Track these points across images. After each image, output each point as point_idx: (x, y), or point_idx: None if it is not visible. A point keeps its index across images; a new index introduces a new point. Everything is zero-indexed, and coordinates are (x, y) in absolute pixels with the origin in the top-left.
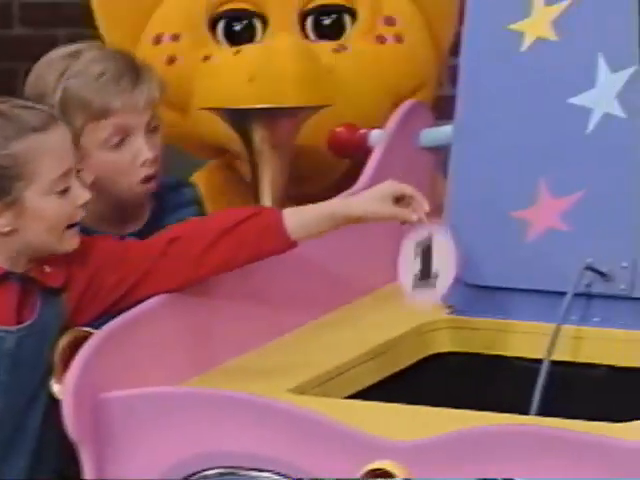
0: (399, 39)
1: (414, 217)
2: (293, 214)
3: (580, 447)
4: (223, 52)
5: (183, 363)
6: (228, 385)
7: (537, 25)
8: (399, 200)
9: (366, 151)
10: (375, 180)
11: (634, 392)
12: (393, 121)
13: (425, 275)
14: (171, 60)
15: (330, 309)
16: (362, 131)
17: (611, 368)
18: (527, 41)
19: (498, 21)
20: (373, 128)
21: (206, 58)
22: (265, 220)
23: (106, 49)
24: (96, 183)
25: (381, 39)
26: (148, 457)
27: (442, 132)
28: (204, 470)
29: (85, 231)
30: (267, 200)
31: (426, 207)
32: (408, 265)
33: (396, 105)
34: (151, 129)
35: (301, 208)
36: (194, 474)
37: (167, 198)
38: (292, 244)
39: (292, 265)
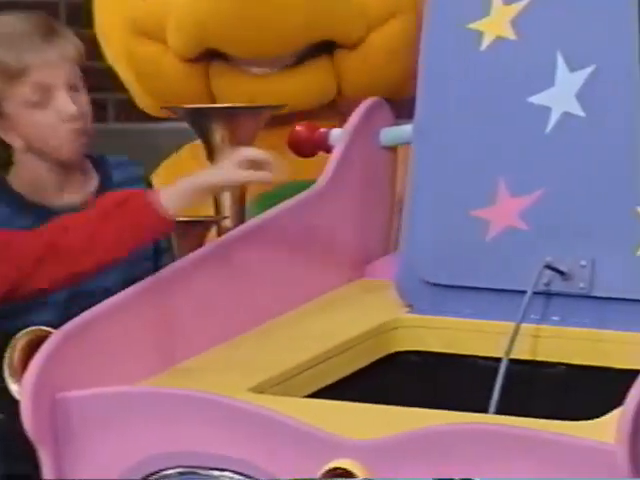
0: None
1: (269, 177)
2: (165, 191)
3: (538, 445)
4: None
5: (143, 362)
6: (188, 384)
7: (496, 24)
8: (255, 166)
9: (326, 150)
10: (336, 179)
11: (592, 391)
12: (353, 120)
13: None
14: None
15: (290, 308)
16: (322, 130)
17: (570, 367)
18: (486, 40)
19: (457, 20)
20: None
21: None
22: (141, 200)
23: (19, 13)
24: (28, 148)
25: None
26: (108, 457)
27: (402, 131)
28: (164, 470)
29: (22, 201)
30: (227, 198)
31: (283, 170)
32: None
33: (368, 30)
34: (73, 87)
35: (173, 184)
36: (154, 474)
37: (115, 173)
38: (169, 221)
39: (254, 263)
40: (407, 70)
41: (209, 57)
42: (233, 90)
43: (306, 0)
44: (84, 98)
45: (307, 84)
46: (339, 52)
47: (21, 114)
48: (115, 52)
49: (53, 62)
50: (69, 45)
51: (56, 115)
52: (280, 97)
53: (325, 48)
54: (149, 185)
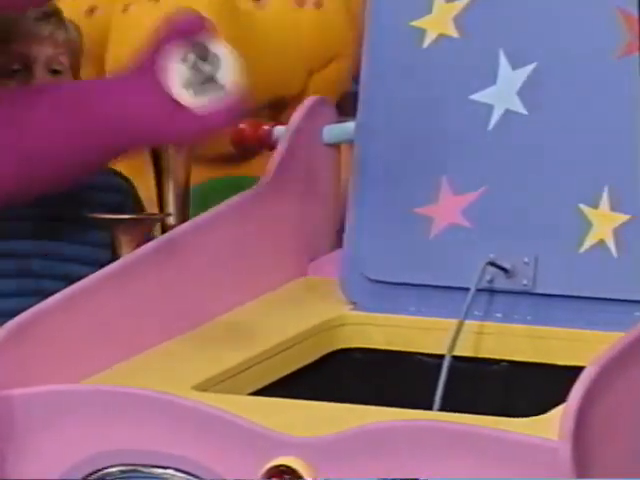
0: (318, 4)
1: None
2: None
3: (481, 442)
4: (142, 2)
5: (88, 359)
6: (131, 382)
7: (438, 22)
8: None
9: (271, 147)
10: (279, 176)
11: (536, 388)
12: (296, 117)
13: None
14: (91, 10)
15: (233, 306)
16: (266, 127)
17: (513, 364)
18: (429, 38)
19: (400, 18)
20: (283, 99)
21: (125, 8)
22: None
23: None
24: None
25: (300, 2)
26: (49, 455)
27: (345, 129)
28: (106, 468)
29: None
30: (171, 195)
31: None
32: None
33: (311, 73)
34: (52, 69)
35: None
36: (96, 472)
37: None
38: None
39: (196, 262)
40: None
41: None
42: None
43: (253, 65)
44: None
45: None
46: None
47: None
48: None
49: (40, 36)
50: (61, 29)
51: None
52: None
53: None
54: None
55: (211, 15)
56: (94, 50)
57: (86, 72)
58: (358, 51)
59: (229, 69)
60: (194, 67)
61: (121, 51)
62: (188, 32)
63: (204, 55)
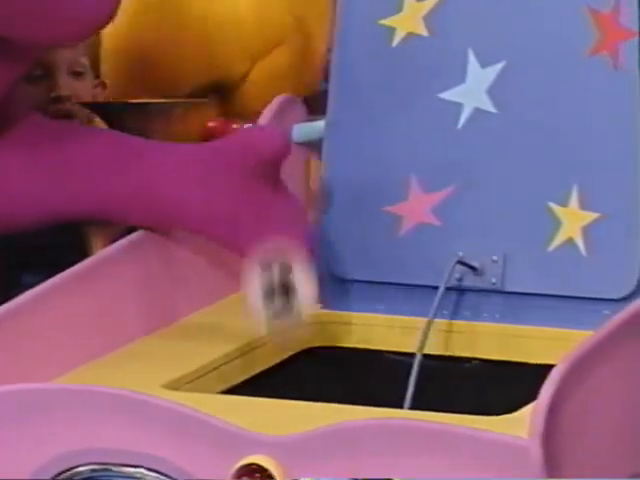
0: None
1: None
2: None
3: (452, 440)
4: None
5: (57, 358)
6: (101, 381)
7: (408, 20)
8: None
9: None
10: None
11: (505, 386)
12: (265, 116)
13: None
14: None
15: (202, 306)
16: (235, 126)
17: (483, 362)
18: (398, 36)
19: (369, 16)
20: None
21: None
22: None
23: None
24: None
25: None
26: (19, 455)
27: (314, 127)
28: (76, 467)
29: None
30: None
31: None
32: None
33: (253, 60)
34: (74, 72)
35: None
36: (66, 471)
37: None
38: None
39: (164, 261)
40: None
41: None
42: None
43: (193, 47)
44: (81, 86)
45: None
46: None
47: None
48: None
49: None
50: None
51: (45, 93)
52: (164, 135)
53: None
54: None
55: None
56: None
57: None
58: (300, 40)
59: (304, 299)
60: (272, 289)
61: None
62: (268, 155)
63: (286, 276)
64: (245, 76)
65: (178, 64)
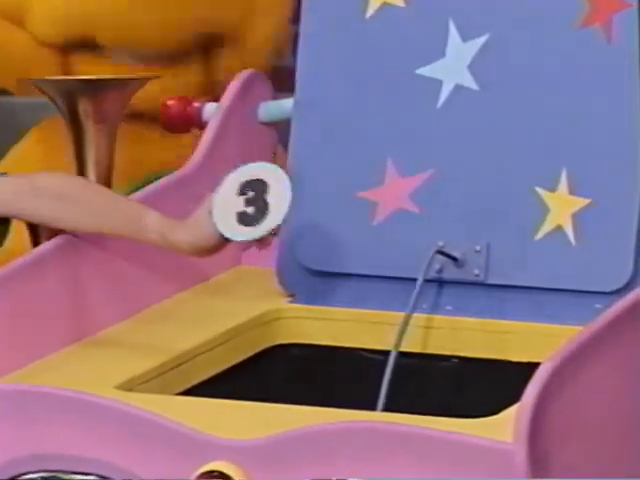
0: None
1: None
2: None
3: (429, 444)
4: None
5: (4, 356)
6: (51, 381)
7: None
8: None
9: (200, 126)
10: (210, 158)
11: (488, 385)
12: (229, 93)
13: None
14: None
15: (161, 298)
16: (195, 104)
17: (464, 360)
18: (372, 7)
19: None
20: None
21: None
22: None
23: None
24: None
25: None
26: None
27: (282, 106)
28: (26, 474)
29: None
30: (92, 180)
31: None
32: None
33: (252, 12)
34: None
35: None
36: (15, 478)
37: None
38: None
39: (124, 250)
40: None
41: (74, 45)
42: None
43: None
44: None
45: (177, 83)
46: (218, 52)
47: None
48: None
49: None
50: None
51: None
52: (147, 94)
53: (204, 49)
54: None
55: None
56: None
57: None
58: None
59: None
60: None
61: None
62: None
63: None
64: (242, 38)
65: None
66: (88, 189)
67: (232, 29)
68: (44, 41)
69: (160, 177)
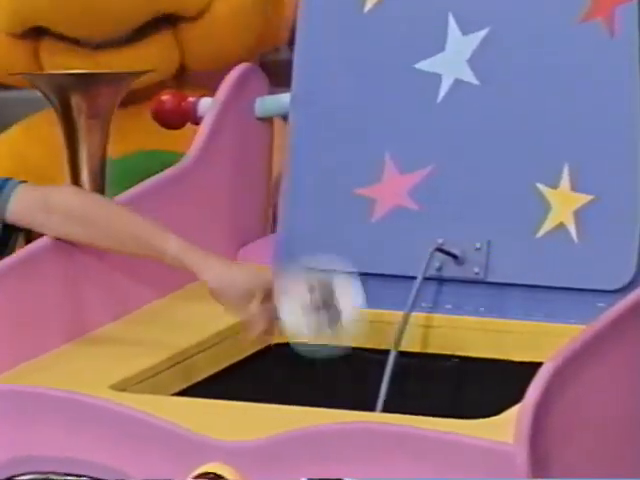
0: None
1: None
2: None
3: (428, 445)
4: None
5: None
6: (44, 381)
7: None
8: None
9: (195, 121)
10: (205, 154)
11: (488, 386)
12: (224, 88)
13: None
14: None
15: (155, 298)
16: (190, 99)
17: (464, 359)
18: (370, 1)
19: None
20: None
21: None
22: None
23: None
24: None
25: None
26: None
27: (279, 101)
28: (17, 476)
29: None
30: (84, 175)
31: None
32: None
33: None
34: None
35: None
36: None
37: None
38: None
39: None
40: (258, 37)
41: (39, 33)
42: (66, 67)
43: None
44: None
45: (145, 59)
46: (181, 25)
47: None
48: None
49: None
50: None
51: None
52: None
53: (167, 22)
54: None
55: None
56: None
57: None
58: None
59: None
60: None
61: None
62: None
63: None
64: (202, 12)
65: None
66: (105, 210)
67: (186, 7)
68: (5, 31)
69: (151, 157)
